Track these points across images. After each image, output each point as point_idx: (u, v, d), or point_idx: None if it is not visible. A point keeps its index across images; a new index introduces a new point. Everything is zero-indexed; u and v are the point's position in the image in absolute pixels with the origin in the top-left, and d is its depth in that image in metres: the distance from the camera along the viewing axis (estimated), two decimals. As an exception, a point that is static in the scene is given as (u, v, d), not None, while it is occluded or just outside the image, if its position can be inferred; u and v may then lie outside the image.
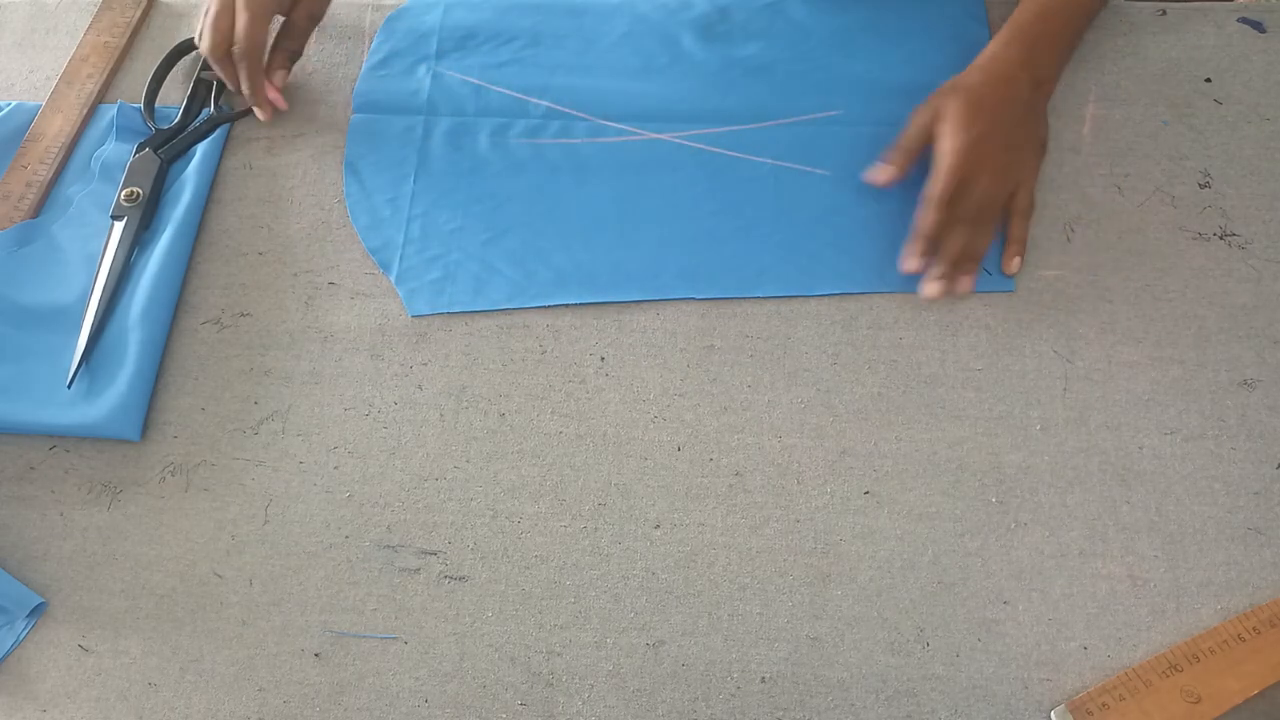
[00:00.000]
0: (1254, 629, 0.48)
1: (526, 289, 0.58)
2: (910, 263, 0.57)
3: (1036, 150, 0.59)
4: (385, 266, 0.59)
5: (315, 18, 0.65)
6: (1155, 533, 0.51)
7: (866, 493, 0.52)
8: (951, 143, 0.55)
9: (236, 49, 0.61)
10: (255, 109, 0.64)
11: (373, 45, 0.68)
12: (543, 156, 0.62)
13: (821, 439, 0.54)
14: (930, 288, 0.56)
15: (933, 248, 0.56)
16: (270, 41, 0.63)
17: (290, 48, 0.65)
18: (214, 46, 0.61)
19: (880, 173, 0.59)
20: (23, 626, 0.50)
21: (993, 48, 0.59)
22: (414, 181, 0.62)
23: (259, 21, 0.60)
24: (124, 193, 0.61)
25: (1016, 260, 0.57)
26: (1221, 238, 0.58)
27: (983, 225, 0.56)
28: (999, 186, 0.56)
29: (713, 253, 0.58)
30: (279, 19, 0.64)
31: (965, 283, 0.56)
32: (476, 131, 0.63)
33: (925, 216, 0.56)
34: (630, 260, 0.59)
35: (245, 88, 0.63)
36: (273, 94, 0.64)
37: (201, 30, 0.62)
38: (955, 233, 0.56)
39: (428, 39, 0.67)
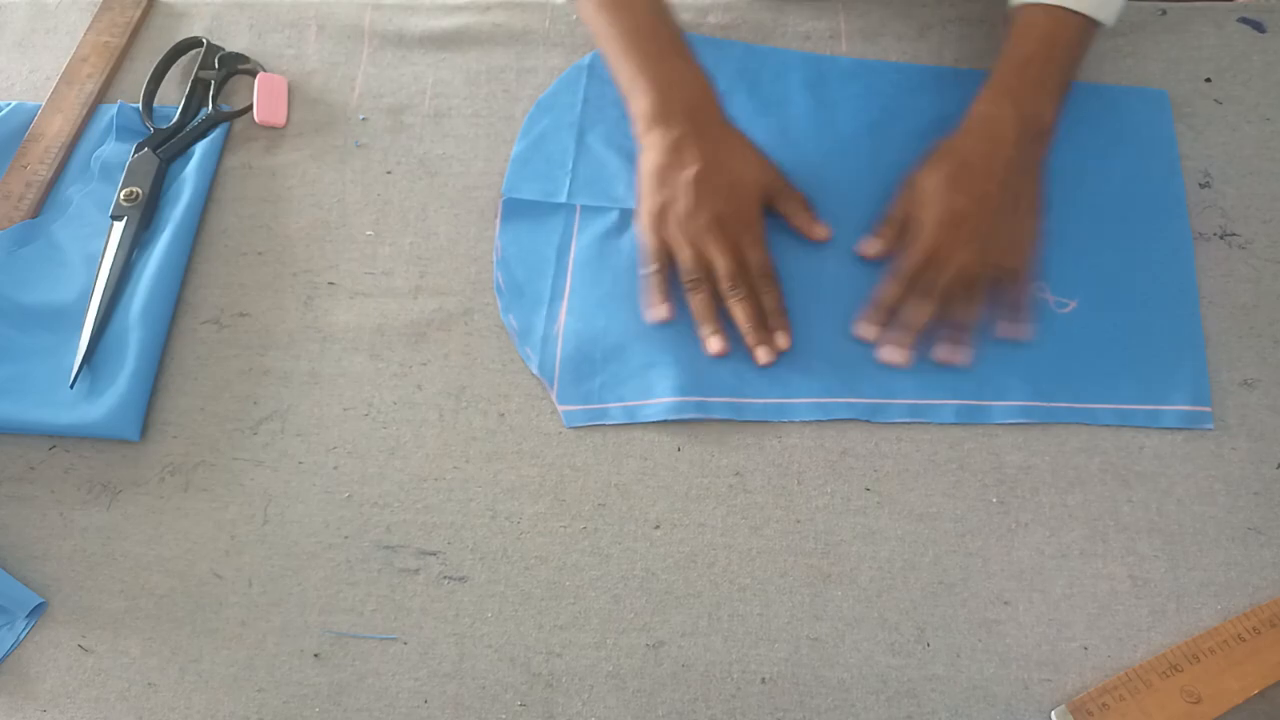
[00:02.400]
0: (1254, 629, 0.48)
1: (691, 387, 0.54)
2: (863, 329, 0.55)
3: (1033, 211, 0.55)
4: (544, 374, 0.56)
5: (794, 197, 0.59)
6: (1155, 533, 0.50)
7: (867, 491, 0.52)
8: (929, 213, 0.54)
9: (760, 273, 0.55)
10: (779, 336, 0.55)
11: (521, 129, 0.64)
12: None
13: (821, 439, 0.54)
14: (885, 353, 0.54)
15: (889, 317, 0.55)
16: None
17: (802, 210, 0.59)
18: (740, 292, 0.55)
19: (869, 245, 0.57)
20: (23, 626, 0.50)
21: (980, 105, 0.56)
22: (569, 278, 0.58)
23: (765, 243, 0.56)
24: (123, 192, 0.61)
25: (1004, 325, 0.55)
26: (1221, 238, 0.58)
27: (963, 299, 0.54)
28: (980, 261, 0.53)
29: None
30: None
31: (961, 353, 0.54)
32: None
33: (885, 288, 0.55)
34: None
35: (771, 306, 0.56)
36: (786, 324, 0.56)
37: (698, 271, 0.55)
38: (920, 306, 0.54)
39: (574, 119, 0.64)
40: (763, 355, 0.55)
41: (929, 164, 0.56)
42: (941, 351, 0.54)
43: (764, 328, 0.55)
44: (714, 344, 0.55)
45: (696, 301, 0.56)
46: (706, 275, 0.56)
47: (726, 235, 0.55)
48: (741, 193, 0.56)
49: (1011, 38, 0.57)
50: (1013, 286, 0.55)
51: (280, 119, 0.65)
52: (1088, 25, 0.57)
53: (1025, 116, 0.55)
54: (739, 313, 0.55)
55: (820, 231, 0.58)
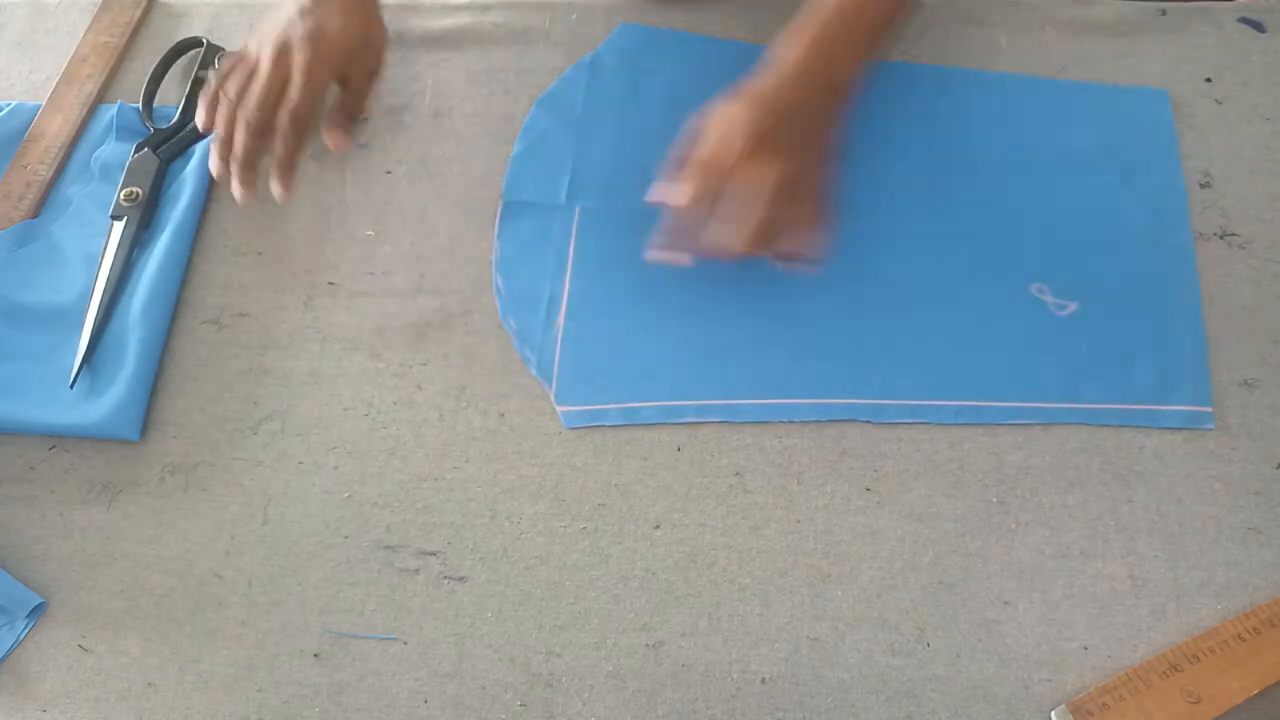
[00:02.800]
0: (1254, 629, 0.48)
1: (693, 390, 0.54)
2: (653, 251, 0.54)
3: (820, 157, 0.55)
4: (543, 376, 0.56)
5: (372, 74, 0.62)
6: (1155, 533, 0.50)
7: (867, 491, 0.52)
8: (714, 129, 0.52)
9: (293, 116, 0.56)
10: (274, 185, 0.58)
11: (522, 129, 0.64)
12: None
13: (821, 439, 0.54)
14: (654, 254, 0.54)
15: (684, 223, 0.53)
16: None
17: (354, 110, 0.62)
18: (261, 113, 0.56)
19: (663, 192, 0.54)
20: (23, 626, 0.50)
21: (781, 53, 0.55)
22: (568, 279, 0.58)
23: (320, 90, 0.57)
24: (123, 192, 0.61)
25: (786, 264, 0.54)
26: (1221, 238, 0.58)
27: (746, 199, 0.51)
28: (763, 164, 0.51)
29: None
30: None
31: (787, 248, 0.53)
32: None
33: (681, 183, 0.52)
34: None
35: (280, 158, 0.57)
36: (289, 179, 0.59)
37: (234, 85, 0.57)
38: (703, 209, 0.52)
39: (574, 119, 0.64)
40: (239, 193, 0.58)
41: (727, 101, 0.54)
42: (785, 248, 0.53)
43: (251, 167, 0.57)
44: (214, 161, 0.58)
45: (224, 99, 0.58)
46: (246, 83, 0.57)
47: (283, 58, 0.56)
48: (328, 34, 0.57)
49: None
50: (799, 223, 0.53)
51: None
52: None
53: (817, 67, 0.55)
54: (238, 133, 0.57)
55: (336, 140, 0.61)
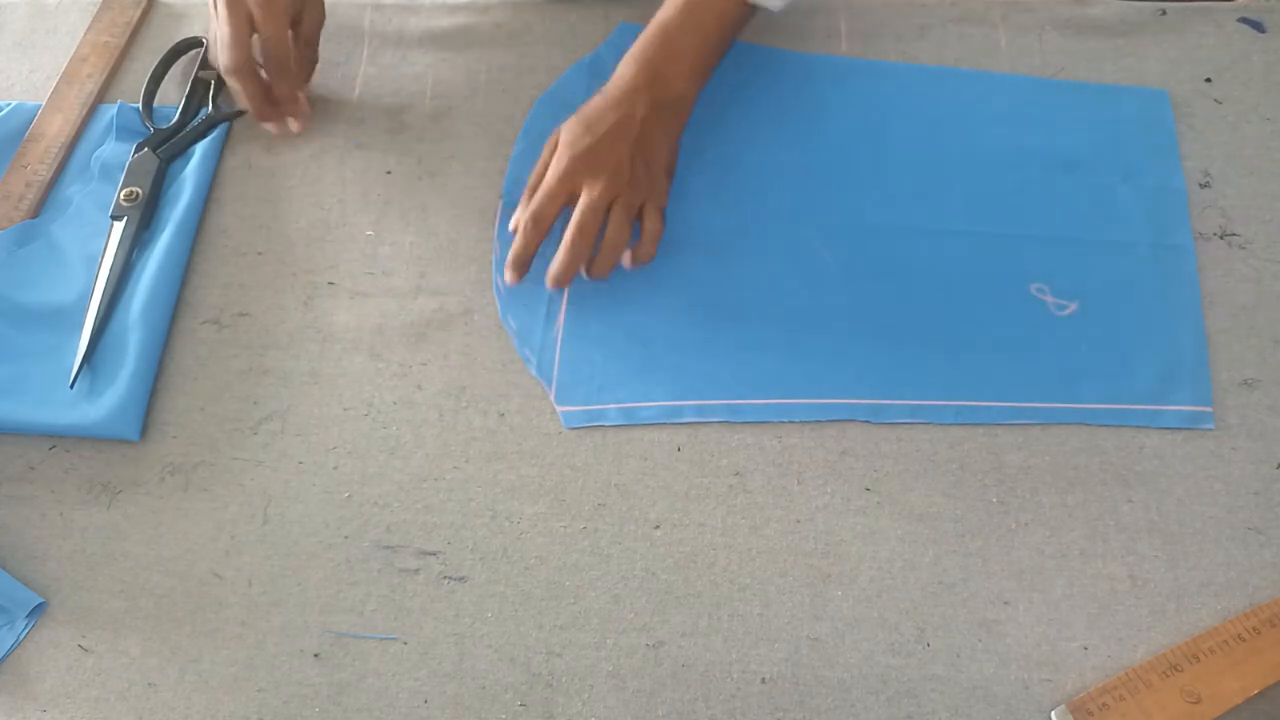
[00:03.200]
0: (1254, 629, 0.48)
1: (695, 390, 0.55)
2: (509, 276, 0.57)
3: (656, 171, 0.58)
4: (543, 376, 0.56)
5: (320, 23, 0.64)
6: (1155, 533, 0.50)
7: (867, 491, 0.52)
8: (558, 154, 0.56)
9: (267, 53, 0.60)
10: (290, 121, 0.64)
11: (522, 129, 0.65)
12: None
13: (821, 439, 0.54)
14: (508, 274, 0.57)
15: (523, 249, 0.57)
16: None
17: (309, 55, 0.64)
18: (239, 60, 0.59)
19: (516, 222, 0.57)
20: (23, 626, 0.50)
21: (619, 70, 0.59)
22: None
23: (282, 27, 0.60)
24: (123, 192, 0.61)
25: (628, 254, 0.57)
26: (1221, 238, 0.58)
27: (592, 225, 0.55)
28: (603, 194, 0.55)
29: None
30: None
31: (599, 267, 0.56)
32: None
33: (517, 219, 0.57)
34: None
35: (282, 91, 0.62)
36: (303, 99, 0.63)
37: (217, 46, 0.60)
38: (539, 229, 0.56)
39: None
40: (269, 127, 0.64)
41: (565, 122, 0.58)
42: (597, 268, 0.56)
43: (265, 101, 0.62)
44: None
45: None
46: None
47: (239, 5, 0.59)
48: None
49: (665, 4, 0.60)
50: (614, 238, 0.56)
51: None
52: (743, 6, 0.60)
53: (654, 86, 0.57)
54: (230, 81, 0.61)
55: (300, 108, 0.64)
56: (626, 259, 0.57)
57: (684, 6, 0.58)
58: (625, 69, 0.58)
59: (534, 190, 0.57)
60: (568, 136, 0.57)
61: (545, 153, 0.58)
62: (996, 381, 0.54)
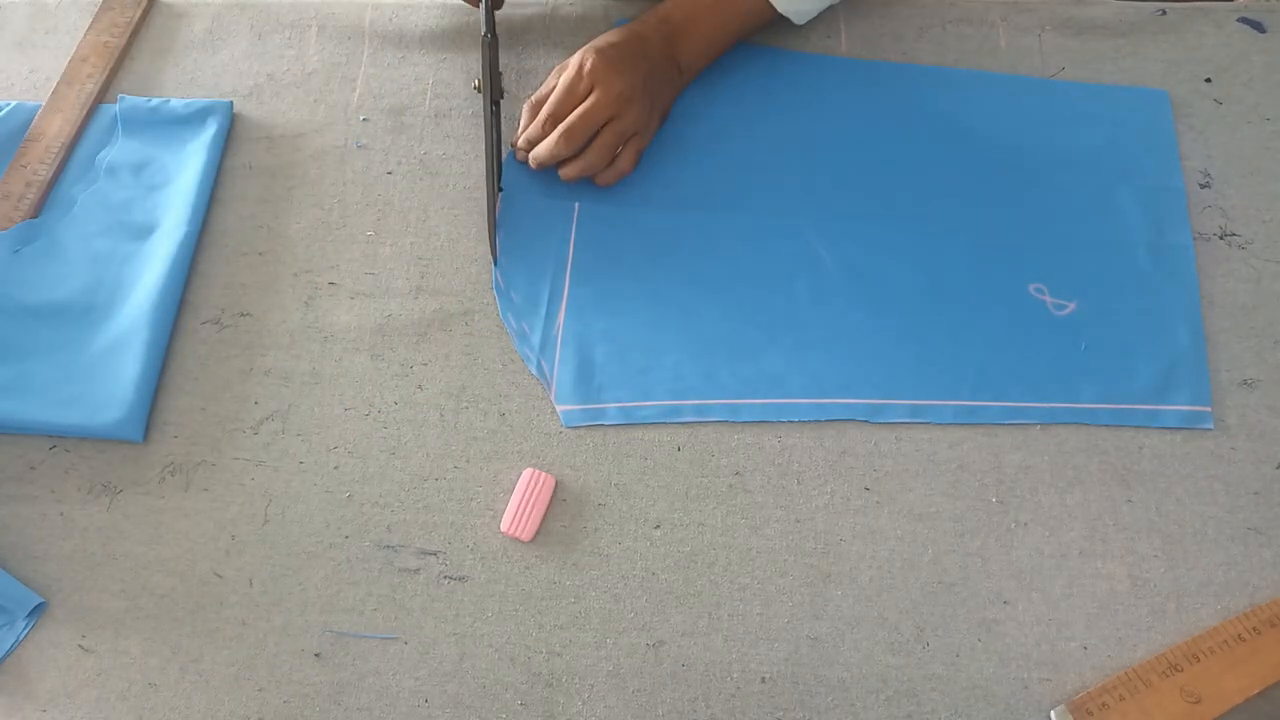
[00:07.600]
0: (1254, 629, 0.48)
1: (696, 392, 0.55)
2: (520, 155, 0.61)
3: (653, 112, 0.60)
4: (543, 376, 0.56)
5: None
6: (1155, 533, 0.51)
7: (866, 490, 0.52)
8: (583, 51, 0.58)
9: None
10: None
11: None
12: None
13: (821, 439, 0.54)
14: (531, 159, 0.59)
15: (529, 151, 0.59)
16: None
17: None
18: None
19: (529, 149, 0.59)
20: (23, 626, 0.50)
21: (640, 17, 0.61)
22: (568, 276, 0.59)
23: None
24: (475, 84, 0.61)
25: (602, 174, 0.60)
26: (1221, 238, 0.58)
27: (581, 135, 0.58)
28: (607, 105, 0.57)
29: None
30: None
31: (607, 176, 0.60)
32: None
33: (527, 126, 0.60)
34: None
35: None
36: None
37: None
38: (552, 137, 0.58)
39: None
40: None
41: (587, 53, 0.59)
42: (565, 170, 0.59)
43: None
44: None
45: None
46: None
47: None
48: None
49: None
50: (597, 150, 0.58)
51: (527, 534, 0.51)
52: (767, 8, 0.62)
53: (673, 39, 0.60)
54: None
55: None
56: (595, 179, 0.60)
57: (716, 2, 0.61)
58: (648, 18, 0.61)
59: (542, 101, 0.59)
60: (594, 42, 0.59)
61: (552, 77, 0.60)
62: (996, 381, 0.54)
